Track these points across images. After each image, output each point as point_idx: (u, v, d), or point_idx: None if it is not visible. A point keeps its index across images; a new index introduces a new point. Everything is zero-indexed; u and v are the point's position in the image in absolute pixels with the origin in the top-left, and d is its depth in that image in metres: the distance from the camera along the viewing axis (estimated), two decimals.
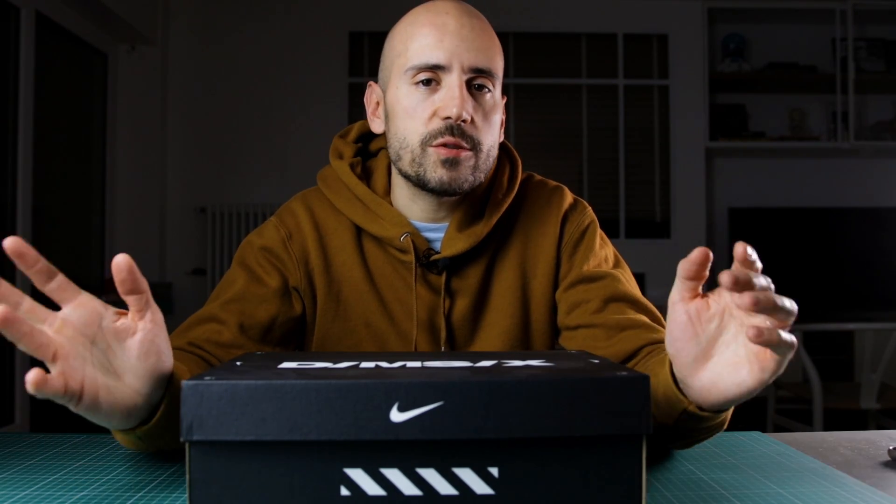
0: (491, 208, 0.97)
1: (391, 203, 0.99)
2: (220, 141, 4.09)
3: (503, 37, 4.55)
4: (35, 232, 3.11)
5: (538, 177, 1.06)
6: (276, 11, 4.12)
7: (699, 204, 4.23)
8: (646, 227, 4.26)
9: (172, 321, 0.95)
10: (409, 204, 0.97)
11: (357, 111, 4.07)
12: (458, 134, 0.88)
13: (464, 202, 0.97)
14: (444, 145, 0.88)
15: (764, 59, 4.25)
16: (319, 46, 4.12)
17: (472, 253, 0.96)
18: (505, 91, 0.98)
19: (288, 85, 4.11)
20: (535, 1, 4.20)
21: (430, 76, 0.89)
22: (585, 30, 4.23)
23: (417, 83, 0.90)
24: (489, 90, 0.91)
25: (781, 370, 0.61)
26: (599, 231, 1.02)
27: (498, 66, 0.92)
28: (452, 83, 0.88)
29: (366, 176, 1.02)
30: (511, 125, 4.19)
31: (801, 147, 4.19)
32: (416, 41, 0.90)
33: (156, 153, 3.99)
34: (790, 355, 0.60)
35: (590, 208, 1.04)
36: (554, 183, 1.05)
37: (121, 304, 0.63)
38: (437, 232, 0.97)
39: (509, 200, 0.98)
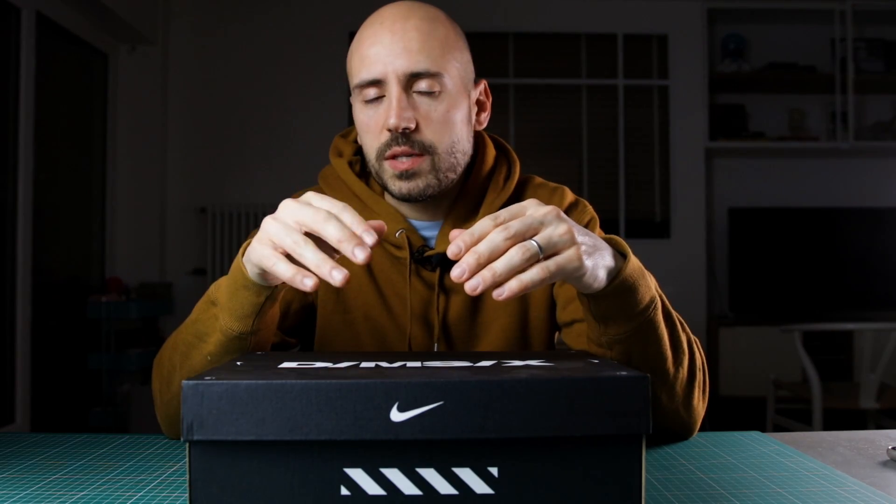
0: (486, 207, 0.98)
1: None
2: (220, 141, 4.09)
3: (502, 37, 4.53)
4: (35, 232, 3.11)
5: (539, 179, 1.06)
6: (276, 12, 4.12)
7: (699, 204, 4.23)
8: (646, 227, 4.26)
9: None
10: (398, 205, 0.99)
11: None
12: (404, 143, 0.89)
13: (459, 201, 0.98)
14: (395, 156, 0.89)
15: (764, 60, 4.25)
16: (319, 46, 4.12)
17: None
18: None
19: (288, 85, 4.11)
20: (535, 1, 4.19)
21: (375, 91, 0.90)
22: (585, 30, 4.23)
23: (366, 100, 0.91)
24: (438, 90, 0.90)
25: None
26: (598, 229, 1.02)
27: (444, 62, 0.90)
28: (390, 94, 0.89)
29: (364, 175, 1.02)
30: (511, 125, 4.19)
31: (800, 147, 4.19)
32: (355, 59, 0.92)
33: (156, 153, 3.99)
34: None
35: (590, 206, 1.04)
36: (555, 184, 1.05)
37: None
38: (433, 230, 0.99)
39: (504, 199, 0.99)
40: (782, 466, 0.74)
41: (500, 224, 0.63)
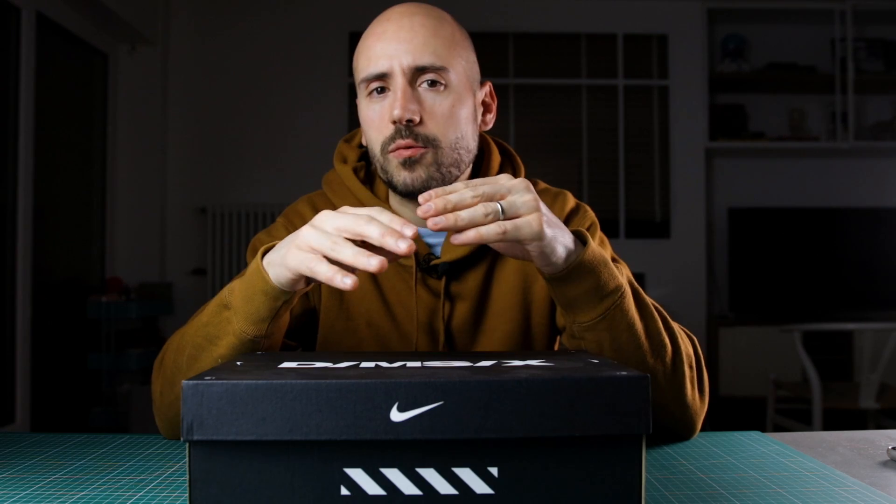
0: None
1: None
2: (220, 141, 4.10)
3: (502, 37, 4.53)
4: (35, 232, 3.11)
5: (543, 184, 1.06)
6: (276, 12, 4.12)
7: (699, 204, 4.23)
8: (645, 227, 4.26)
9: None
10: (402, 209, 0.98)
11: (357, 112, 4.08)
12: (408, 135, 0.89)
13: None
14: (399, 149, 0.90)
15: (764, 60, 4.25)
16: (319, 46, 4.12)
17: (471, 258, 0.96)
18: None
19: (288, 85, 4.11)
20: (535, 1, 4.20)
21: (380, 84, 0.91)
22: (585, 30, 4.23)
23: (371, 93, 0.92)
24: (443, 84, 0.91)
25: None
26: (599, 233, 1.02)
27: (449, 58, 0.91)
28: (395, 87, 0.90)
29: (369, 180, 1.02)
30: (511, 125, 4.19)
31: (800, 147, 4.20)
32: (363, 54, 0.93)
33: (156, 153, 3.99)
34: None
35: (591, 211, 1.04)
36: (557, 189, 1.05)
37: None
38: (438, 237, 0.98)
39: None
40: (782, 466, 0.74)
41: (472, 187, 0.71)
